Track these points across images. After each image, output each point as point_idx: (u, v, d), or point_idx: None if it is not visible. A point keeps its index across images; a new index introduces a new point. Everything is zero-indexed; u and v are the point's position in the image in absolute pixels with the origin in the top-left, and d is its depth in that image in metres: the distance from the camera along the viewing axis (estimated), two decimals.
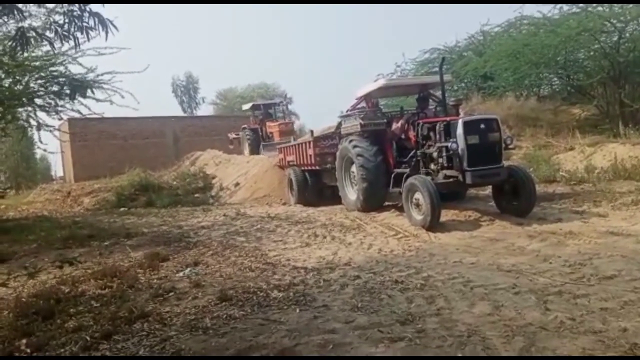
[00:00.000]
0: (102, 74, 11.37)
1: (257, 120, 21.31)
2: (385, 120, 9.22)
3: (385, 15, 56.89)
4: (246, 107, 22.75)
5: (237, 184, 16.10)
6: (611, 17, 15.20)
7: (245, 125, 21.47)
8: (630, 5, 15.20)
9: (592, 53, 16.91)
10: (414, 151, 8.43)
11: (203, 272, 5.73)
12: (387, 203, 9.34)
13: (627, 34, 15.76)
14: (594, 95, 17.38)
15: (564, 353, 3.01)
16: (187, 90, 46.97)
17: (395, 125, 9.01)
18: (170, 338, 3.71)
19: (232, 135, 22.24)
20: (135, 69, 11.67)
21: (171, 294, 4.89)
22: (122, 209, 14.39)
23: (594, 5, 15.89)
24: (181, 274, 5.71)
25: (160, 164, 22.66)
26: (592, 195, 8.60)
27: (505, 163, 8.53)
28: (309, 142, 11.49)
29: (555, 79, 19.18)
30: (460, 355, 3.10)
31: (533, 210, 7.50)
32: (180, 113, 44.68)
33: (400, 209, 8.47)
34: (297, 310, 4.14)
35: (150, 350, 3.53)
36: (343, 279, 5.03)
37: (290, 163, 12.73)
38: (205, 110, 46.22)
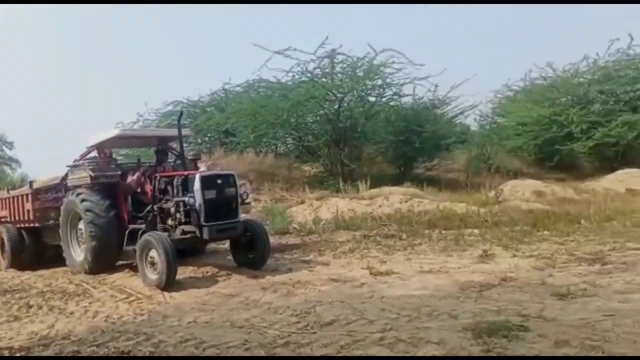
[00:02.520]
0: None
1: None
2: (119, 173, 8.65)
3: (128, 62, 55.02)
4: None
5: None
6: (333, 88, 17.62)
7: None
8: (348, 78, 18.00)
9: (318, 118, 19.26)
10: (150, 206, 8.04)
11: None
12: (121, 262, 8.62)
13: (345, 104, 18.45)
14: (320, 155, 19.65)
15: None
16: None
17: (131, 178, 8.52)
18: None
19: None
20: None
21: None
22: None
23: (319, 76, 18.22)
24: None
25: None
26: (318, 245, 9.45)
27: (244, 216, 8.81)
28: (27, 194, 9.96)
29: (290, 138, 21.11)
30: None
31: (267, 262, 7.82)
32: None
33: (135, 269, 7.89)
34: None
35: None
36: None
37: (2, 219, 10.82)
38: None
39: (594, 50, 27.38)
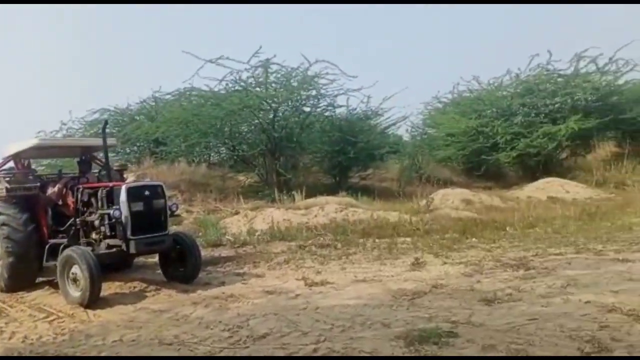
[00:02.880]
0: None
1: None
2: (38, 184, 8.12)
3: (52, 68, 51.92)
4: None
5: None
6: (267, 97, 17.50)
7: None
8: (282, 88, 17.96)
9: (253, 127, 19.04)
10: (73, 219, 7.60)
11: None
12: (41, 279, 8.08)
13: (280, 114, 18.39)
14: (255, 164, 19.44)
15: None
16: None
17: (52, 190, 8.03)
18: None
19: None
20: None
21: None
22: None
23: (253, 86, 18.07)
24: None
25: None
26: (252, 256, 9.27)
27: (176, 228, 8.49)
28: None
29: (223, 148, 20.71)
30: None
31: (199, 275, 7.59)
32: None
33: (56, 286, 7.41)
34: None
35: None
36: None
37: None
38: None
39: (516, 64, 28.98)
